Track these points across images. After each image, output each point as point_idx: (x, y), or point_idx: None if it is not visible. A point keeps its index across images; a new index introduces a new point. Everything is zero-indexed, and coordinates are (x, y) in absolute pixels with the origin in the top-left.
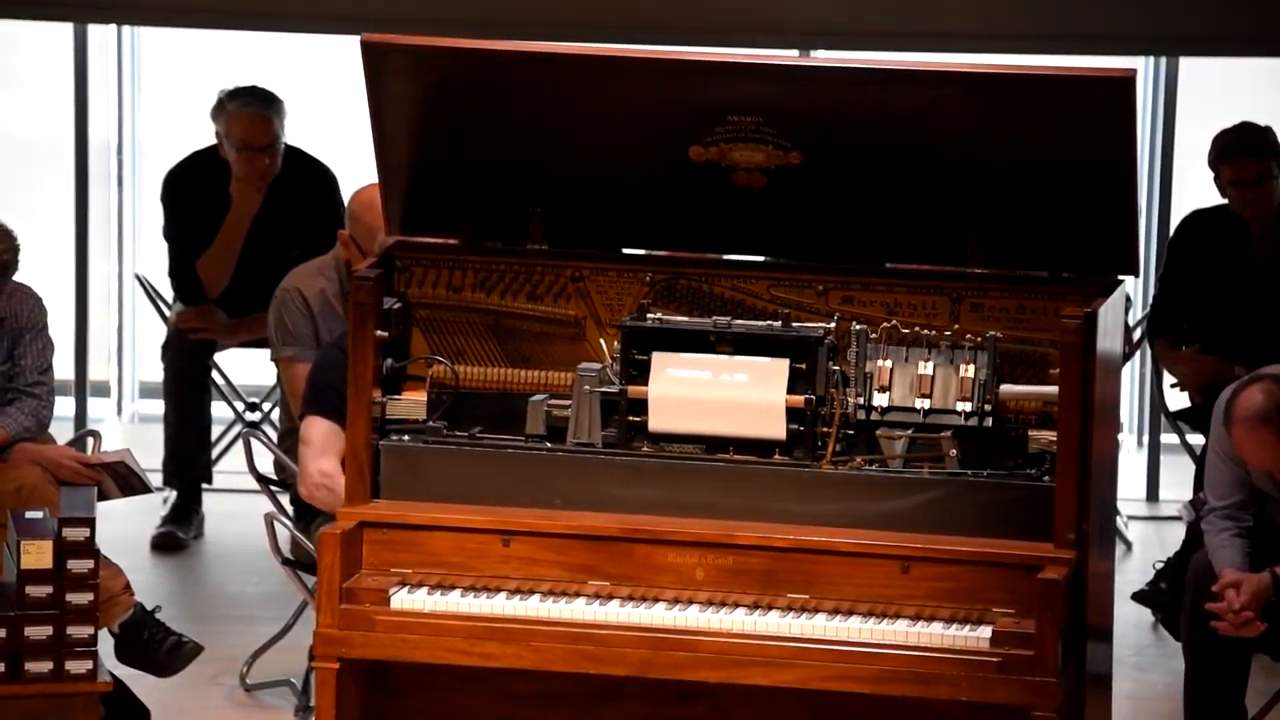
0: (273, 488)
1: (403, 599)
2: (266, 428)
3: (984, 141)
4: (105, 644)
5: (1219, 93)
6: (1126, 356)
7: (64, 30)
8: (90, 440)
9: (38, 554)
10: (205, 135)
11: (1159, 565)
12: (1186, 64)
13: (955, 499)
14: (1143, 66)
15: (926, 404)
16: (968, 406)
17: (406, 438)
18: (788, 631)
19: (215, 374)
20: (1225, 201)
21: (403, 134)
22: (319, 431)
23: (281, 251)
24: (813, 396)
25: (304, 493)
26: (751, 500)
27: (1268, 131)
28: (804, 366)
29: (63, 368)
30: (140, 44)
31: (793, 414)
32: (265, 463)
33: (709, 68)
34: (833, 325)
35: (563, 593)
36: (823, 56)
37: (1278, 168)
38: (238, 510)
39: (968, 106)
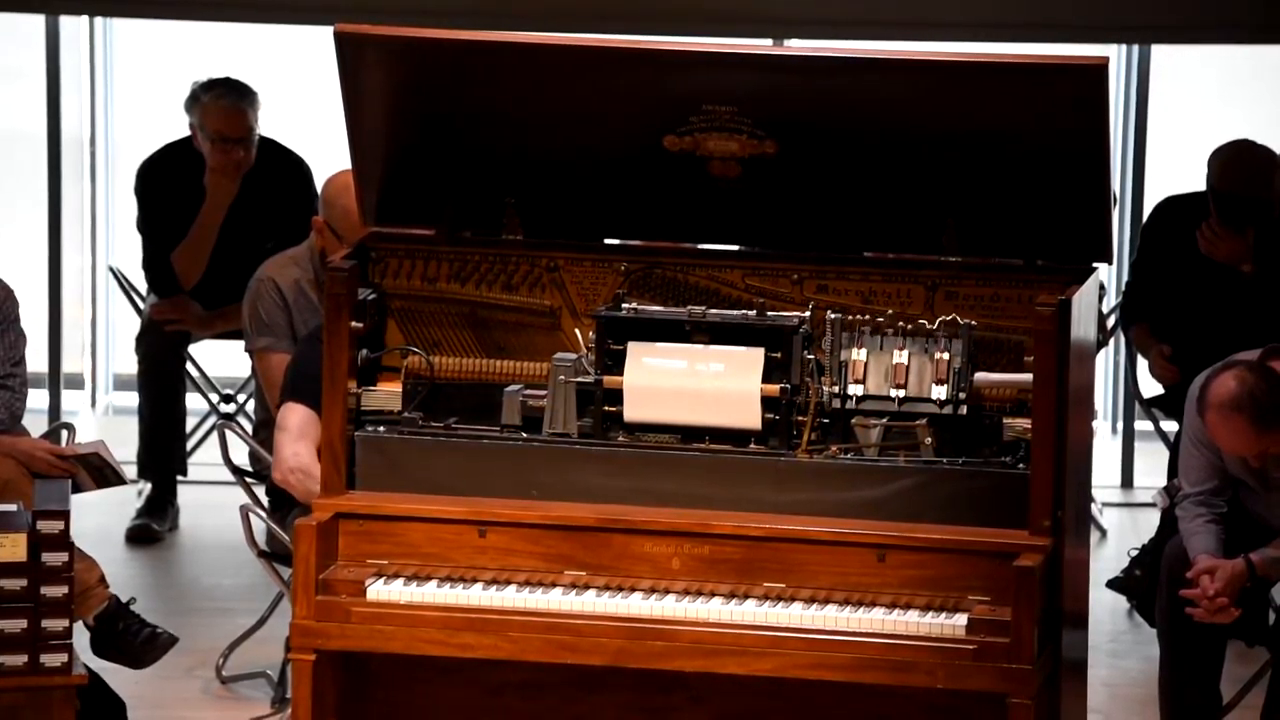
0: (248, 479)
1: (379, 590)
2: (241, 419)
3: (958, 130)
4: (81, 637)
5: (1191, 80)
6: (1101, 344)
7: (36, 22)
8: (64, 433)
9: (12, 547)
10: (179, 127)
11: (1134, 552)
12: (1159, 52)
13: (930, 487)
14: (1115, 54)
15: (901, 393)
16: (943, 395)
17: (382, 429)
18: (764, 620)
19: (190, 366)
20: (1199, 189)
21: (377, 125)
22: (296, 418)
23: (256, 243)
24: (788, 385)
25: (277, 477)
26: (727, 489)
27: (1271, 177)
28: (779, 356)
29: (36, 360)
30: (113, 35)
31: (768, 403)
32: (240, 454)
33: (683, 57)
34: (808, 314)
35: (539, 583)
36: (797, 46)
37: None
38: (213, 502)
39: (941, 95)
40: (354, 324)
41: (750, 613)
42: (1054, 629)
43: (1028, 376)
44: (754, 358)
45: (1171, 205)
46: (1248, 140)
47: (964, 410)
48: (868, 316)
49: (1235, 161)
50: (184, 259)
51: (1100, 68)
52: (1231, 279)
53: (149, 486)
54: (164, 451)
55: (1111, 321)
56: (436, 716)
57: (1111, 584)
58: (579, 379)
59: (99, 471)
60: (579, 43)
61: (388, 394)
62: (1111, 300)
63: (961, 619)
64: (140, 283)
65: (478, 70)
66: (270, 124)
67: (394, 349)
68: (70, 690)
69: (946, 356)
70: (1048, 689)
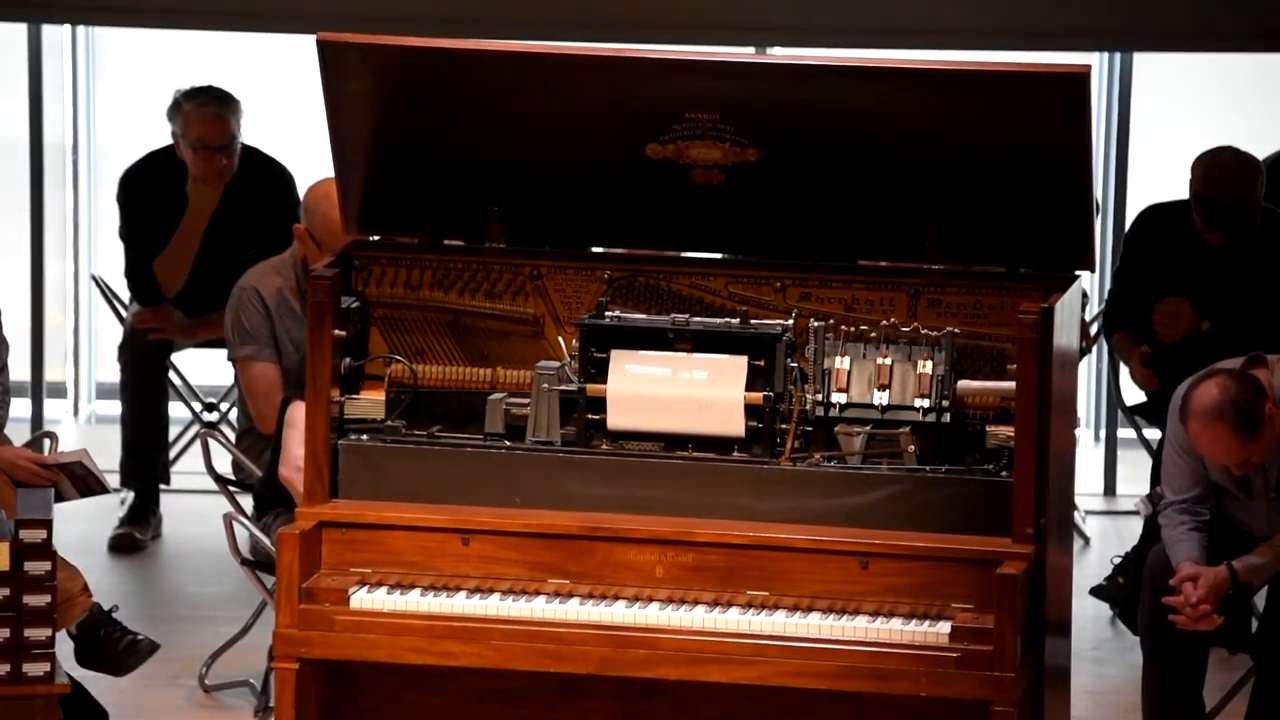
0: (231, 488)
1: (362, 598)
2: (224, 428)
3: (941, 137)
4: (64, 645)
5: (1174, 88)
6: (1083, 351)
7: (18, 30)
8: (47, 441)
9: None
10: (162, 135)
11: (1117, 560)
12: (1141, 59)
13: (914, 495)
14: (1097, 62)
15: (885, 400)
16: (926, 402)
17: (365, 437)
18: (747, 628)
19: (173, 374)
20: (1182, 198)
21: (360, 133)
22: (305, 415)
23: (238, 251)
24: (771, 393)
25: (284, 474)
26: (711, 497)
27: (1256, 183)
28: (763, 363)
29: (19, 369)
30: (95, 43)
31: (751, 411)
32: (223, 463)
33: (666, 65)
34: (791, 322)
35: (523, 591)
36: (779, 53)
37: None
38: (195, 511)
39: (924, 103)
40: (337, 332)
41: (734, 621)
42: (1037, 636)
43: (1011, 384)
44: (737, 365)
45: (1154, 213)
46: (1232, 147)
47: (947, 418)
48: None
49: (1220, 168)
50: (166, 267)
51: (1082, 76)
52: (1213, 287)
53: (132, 495)
54: (147, 460)
55: (1094, 329)
56: None
57: (1094, 591)
58: (562, 387)
59: (82, 480)
60: (561, 51)
61: (371, 402)
62: (1094, 308)
63: (944, 626)
64: (123, 291)
65: (460, 78)
66: (253, 132)
67: (377, 357)
68: (52, 699)
69: (929, 364)
70: (1031, 696)
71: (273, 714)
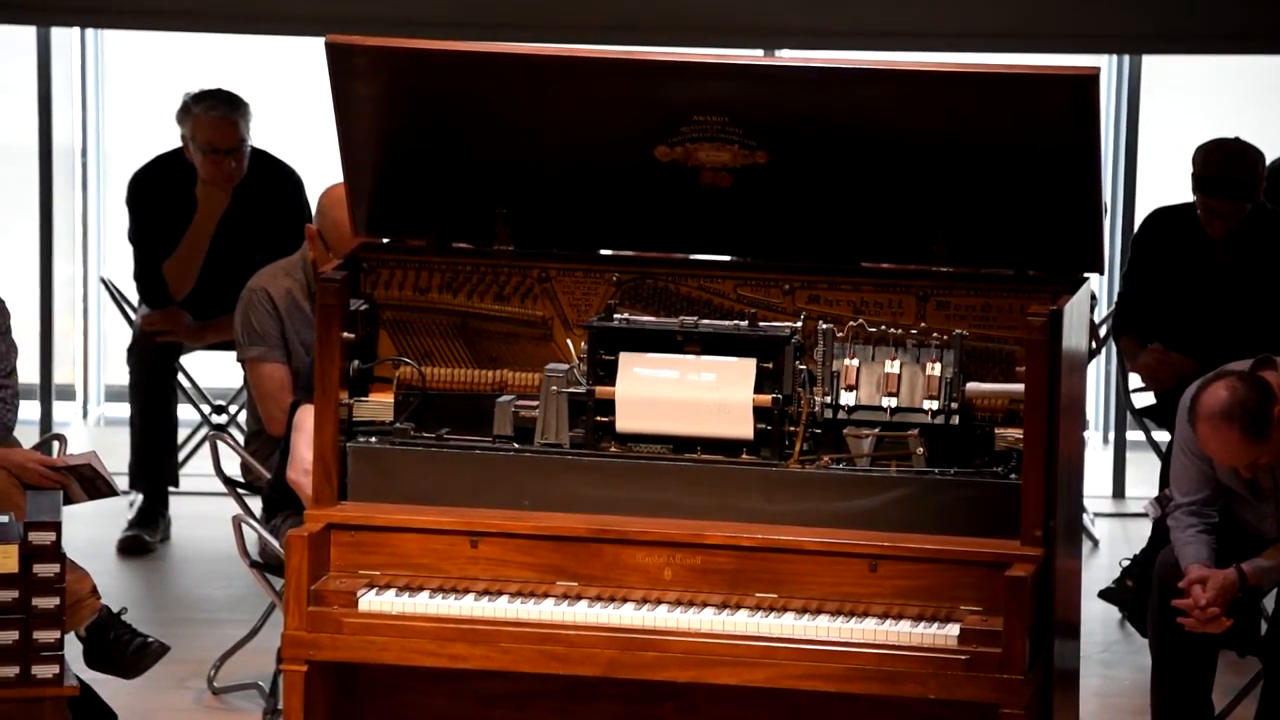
0: (240, 490)
1: (371, 601)
2: (233, 430)
3: (949, 140)
4: (72, 648)
5: (1182, 90)
6: (1092, 354)
7: (27, 33)
8: (56, 444)
9: (3, 558)
10: (171, 138)
11: (1125, 562)
12: (1150, 62)
13: (922, 497)
14: (1106, 64)
15: (893, 402)
16: (934, 405)
17: (374, 439)
18: (756, 631)
19: (181, 377)
20: (1189, 200)
21: (368, 135)
22: (313, 419)
23: (247, 254)
24: (780, 396)
25: (291, 477)
26: (719, 500)
27: (1256, 163)
28: (771, 366)
29: (28, 371)
30: (104, 46)
31: (760, 413)
32: (232, 465)
33: (674, 68)
34: (799, 324)
35: (531, 593)
36: (788, 56)
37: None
38: (204, 513)
39: (932, 105)
40: (346, 334)
41: (742, 623)
42: (1046, 639)
43: (1019, 386)
44: (746, 368)
45: (1162, 216)
46: (1231, 136)
47: (955, 420)
48: (859, 322)
49: (1219, 148)
50: (175, 270)
51: (1091, 78)
52: (1219, 289)
53: (140, 498)
54: (155, 462)
55: (1103, 332)
56: None
57: (1103, 594)
58: (571, 389)
59: (90, 483)
60: (570, 53)
61: (379, 404)
62: (1103, 310)
63: (953, 629)
64: (132, 294)
65: (469, 81)
66: (262, 135)
67: (386, 359)
68: (61, 701)
69: (938, 367)
70: (1039, 699)
71: (281, 716)
